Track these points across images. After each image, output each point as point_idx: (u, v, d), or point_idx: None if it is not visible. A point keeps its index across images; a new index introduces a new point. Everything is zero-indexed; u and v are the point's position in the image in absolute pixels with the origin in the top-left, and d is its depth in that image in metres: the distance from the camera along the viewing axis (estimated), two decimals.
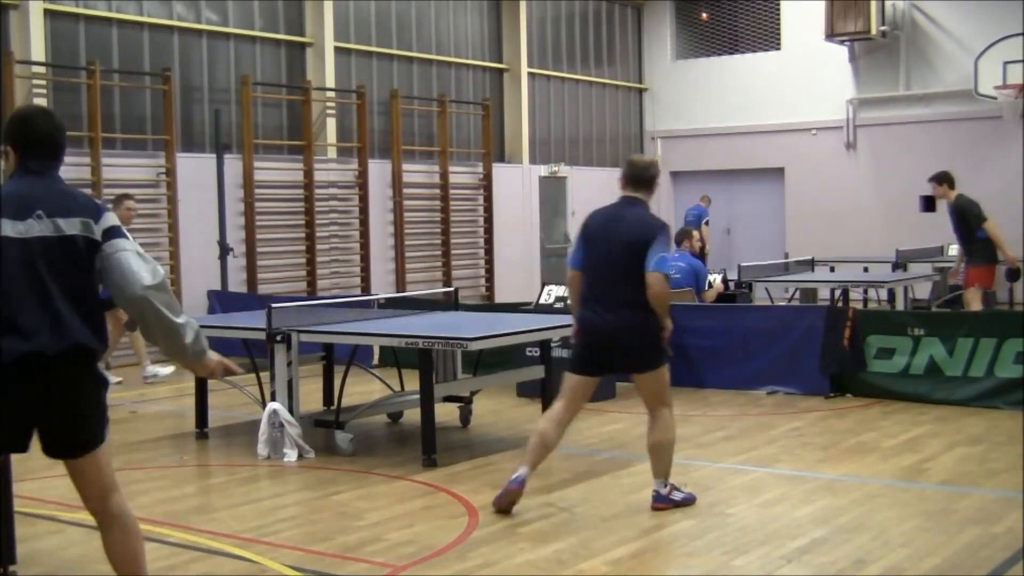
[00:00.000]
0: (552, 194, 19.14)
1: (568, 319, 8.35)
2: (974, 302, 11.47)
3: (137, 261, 3.92)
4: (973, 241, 11.48)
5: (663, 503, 6.13)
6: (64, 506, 6.13)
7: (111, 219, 3.98)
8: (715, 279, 11.95)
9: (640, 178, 6.25)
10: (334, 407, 8.29)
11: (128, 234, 4.04)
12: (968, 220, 11.43)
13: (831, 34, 18.70)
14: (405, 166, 16.23)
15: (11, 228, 3.84)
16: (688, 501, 6.19)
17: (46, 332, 3.81)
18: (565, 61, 19.95)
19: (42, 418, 3.91)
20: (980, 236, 11.42)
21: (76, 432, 3.96)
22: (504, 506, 6.08)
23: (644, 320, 6.00)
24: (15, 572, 5.11)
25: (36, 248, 3.85)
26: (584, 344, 6.21)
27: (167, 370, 11.25)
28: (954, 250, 15.53)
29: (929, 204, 18.68)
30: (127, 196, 10.96)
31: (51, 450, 3.99)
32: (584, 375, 6.24)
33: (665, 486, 6.14)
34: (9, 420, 3.87)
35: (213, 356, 4.14)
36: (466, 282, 16.88)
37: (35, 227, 3.86)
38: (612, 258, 6.06)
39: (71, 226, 3.89)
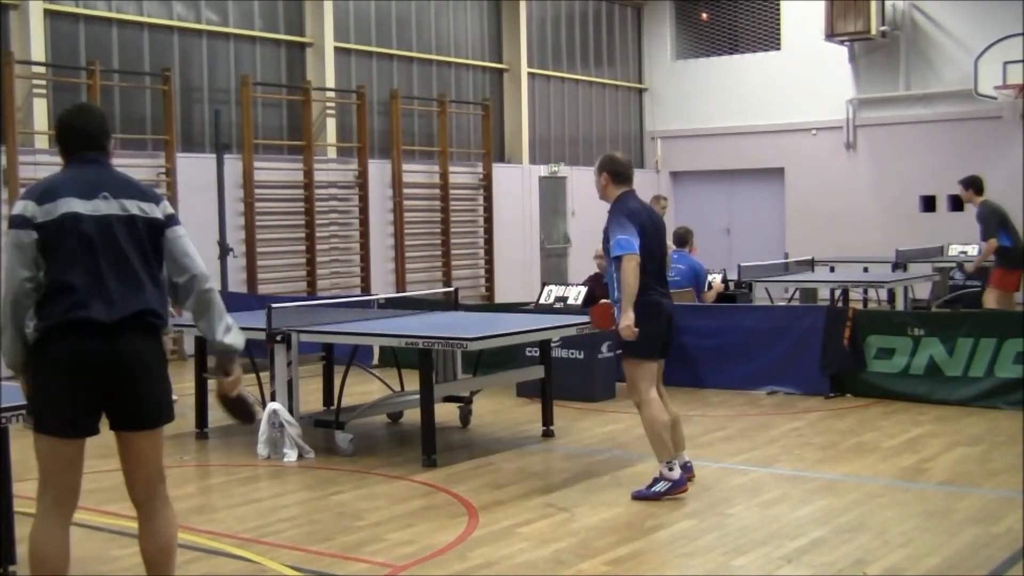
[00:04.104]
0: (552, 194, 19.13)
1: (567, 319, 8.41)
2: (989, 302, 11.51)
3: (194, 247, 4.25)
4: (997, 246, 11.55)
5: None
6: None
7: (169, 206, 4.27)
8: (715, 279, 11.95)
9: None
10: (334, 407, 8.29)
11: None
12: (984, 228, 11.53)
13: (831, 34, 18.69)
14: (405, 166, 16.22)
15: (80, 206, 4.04)
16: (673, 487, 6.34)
17: (130, 298, 4.02)
18: (565, 61, 19.94)
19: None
20: (1002, 243, 11.44)
21: (144, 402, 4.12)
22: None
23: None
24: (15, 572, 5.12)
25: (109, 224, 4.06)
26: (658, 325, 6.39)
27: None
28: (953, 250, 15.54)
29: (929, 204, 18.75)
30: None
31: (118, 423, 4.15)
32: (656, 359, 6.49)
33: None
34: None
35: (239, 370, 4.32)
36: (466, 282, 16.87)
37: (102, 206, 4.06)
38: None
39: (134, 207, 4.12)
